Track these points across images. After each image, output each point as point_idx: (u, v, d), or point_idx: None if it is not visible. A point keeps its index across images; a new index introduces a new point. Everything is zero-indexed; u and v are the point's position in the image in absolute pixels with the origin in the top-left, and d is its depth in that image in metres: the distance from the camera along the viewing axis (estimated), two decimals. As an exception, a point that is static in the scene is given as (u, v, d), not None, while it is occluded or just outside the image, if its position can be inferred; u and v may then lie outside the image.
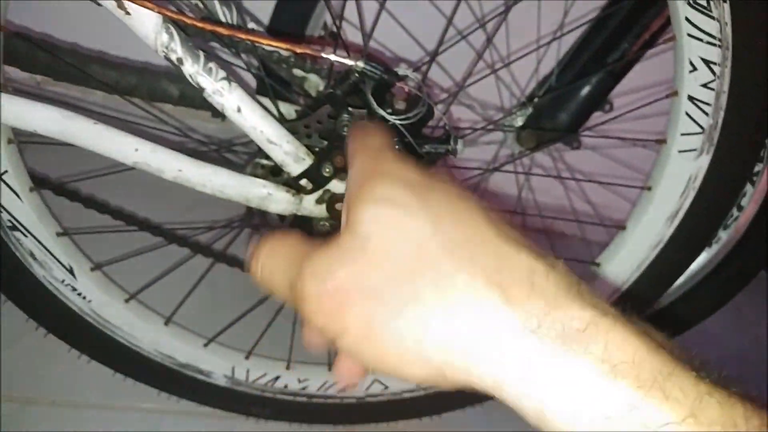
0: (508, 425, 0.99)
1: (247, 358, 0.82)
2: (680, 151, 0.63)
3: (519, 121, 0.84)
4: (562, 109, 0.82)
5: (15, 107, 0.52)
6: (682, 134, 0.62)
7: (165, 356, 0.78)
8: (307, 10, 0.76)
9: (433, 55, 0.57)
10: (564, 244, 1.26)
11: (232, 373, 0.82)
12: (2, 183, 0.60)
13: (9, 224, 0.63)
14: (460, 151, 0.51)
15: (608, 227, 0.73)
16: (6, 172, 0.60)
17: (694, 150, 0.63)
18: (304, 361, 0.85)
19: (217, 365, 0.81)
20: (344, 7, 0.59)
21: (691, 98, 0.59)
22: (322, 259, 0.30)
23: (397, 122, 0.49)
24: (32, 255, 0.66)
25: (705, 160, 0.63)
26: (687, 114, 0.60)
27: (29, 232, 0.64)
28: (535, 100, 0.84)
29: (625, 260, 0.72)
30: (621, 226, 0.72)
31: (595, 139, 1.01)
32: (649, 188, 0.68)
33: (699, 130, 0.61)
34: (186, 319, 0.79)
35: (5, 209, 0.62)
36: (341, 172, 0.54)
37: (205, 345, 0.80)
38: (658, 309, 0.95)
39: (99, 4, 0.47)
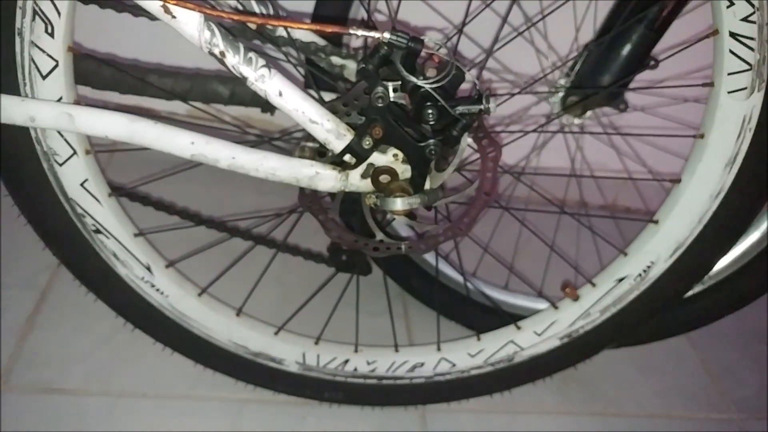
0: (579, 401, 0.99)
1: (316, 343, 0.86)
2: (729, 92, 0.61)
3: (561, 86, 0.84)
4: (604, 69, 0.81)
5: (89, 117, 0.58)
6: (729, 74, 0.60)
7: (239, 346, 0.83)
8: (346, 7, 0.80)
9: (462, 24, 0.59)
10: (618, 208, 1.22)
11: (303, 359, 0.86)
12: (85, 190, 0.67)
13: (93, 228, 0.70)
14: (493, 109, 0.53)
15: (661, 181, 0.71)
16: (87, 180, 0.67)
17: (744, 89, 0.60)
18: (372, 344, 0.87)
19: (288, 352, 0.85)
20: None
21: (733, 35, 0.57)
22: None
23: (428, 87, 0.51)
24: (115, 255, 0.73)
25: (757, 98, 0.60)
26: (731, 52, 0.58)
27: (111, 234, 0.71)
28: (577, 63, 0.83)
29: (685, 214, 0.70)
30: (676, 180, 0.70)
31: (645, 100, 0.99)
32: (702, 136, 0.65)
33: (746, 67, 0.59)
34: (256, 309, 0.83)
35: (89, 214, 0.69)
36: (381, 143, 0.57)
37: (276, 333, 0.84)
38: (715, 282, 0.91)
39: (150, 16, 0.52)
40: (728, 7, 0.56)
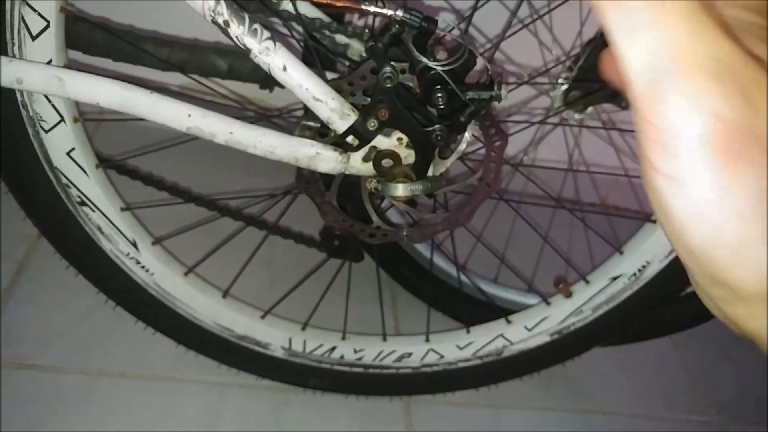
0: (565, 397, 0.99)
1: (303, 329, 0.84)
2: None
3: (564, 79, 0.83)
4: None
5: (80, 82, 0.55)
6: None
7: (224, 328, 0.81)
8: None
9: (475, 5, 0.57)
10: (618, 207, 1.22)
11: (289, 344, 0.84)
12: (71, 160, 0.64)
13: (78, 200, 0.67)
14: (504, 96, 0.51)
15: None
16: (73, 149, 0.64)
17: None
18: (360, 332, 0.86)
19: (275, 337, 0.83)
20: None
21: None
22: None
23: (440, 69, 0.49)
24: (100, 229, 0.70)
25: None
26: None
27: (96, 207, 0.68)
28: (581, 58, 0.82)
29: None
30: (678, 179, 0.69)
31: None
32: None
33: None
34: (243, 291, 0.81)
35: (74, 185, 0.66)
36: (385, 126, 0.55)
37: (262, 317, 0.82)
38: None
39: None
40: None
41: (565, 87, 0.87)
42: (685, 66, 0.20)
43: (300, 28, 0.67)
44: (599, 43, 0.82)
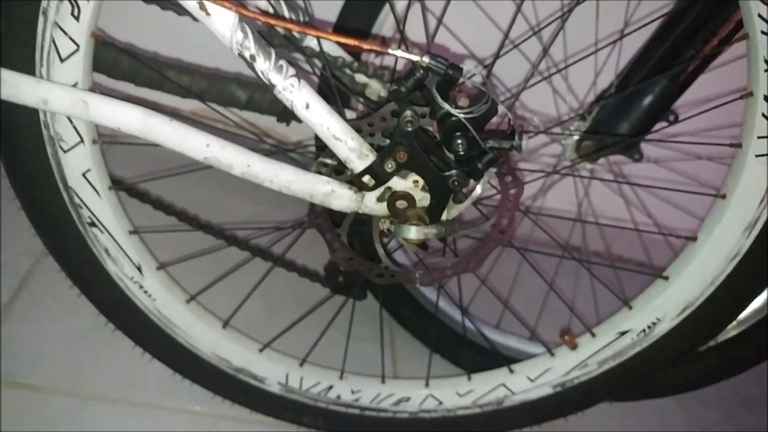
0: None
1: (301, 365, 0.82)
2: (757, 156, 0.60)
3: (577, 130, 0.83)
4: (623, 118, 0.81)
5: (104, 106, 0.55)
6: (759, 137, 0.59)
7: (221, 359, 0.79)
8: (373, 11, 0.78)
9: (497, 54, 0.58)
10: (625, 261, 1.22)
11: (286, 379, 0.82)
12: (86, 180, 0.64)
13: (89, 220, 0.67)
14: (524, 146, 0.51)
15: (678, 237, 0.70)
16: (89, 170, 0.64)
17: (772, 154, 0.60)
18: (358, 372, 0.84)
19: (272, 371, 0.82)
20: (409, 8, 0.61)
21: None
22: None
23: (462, 116, 0.50)
24: (107, 251, 0.69)
25: (785, 165, 0.60)
26: (764, 115, 0.58)
27: (106, 228, 0.68)
28: (596, 108, 0.83)
29: (697, 274, 0.69)
30: (692, 237, 0.69)
31: (658, 152, 0.98)
32: (724, 196, 0.65)
33: (777, 132, 0.58)
34: (243, 323, 0.80)
35: (86, 205, 0.66)
36: (402, 168, 0.55)
37: (261, 350, 0.81)
38: (741, 331, 0.90)
39: (179, 10, 0.51)
40: (766, 70, 0.55)
41: (577, 137, 0.87)
42: None
43: (320, 65, 0.68)
44: (615, 94, 0.83)
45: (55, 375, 0.83)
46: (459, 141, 0.51)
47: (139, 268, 0.72)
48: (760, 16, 0.53)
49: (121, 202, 0.70)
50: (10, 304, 0.89)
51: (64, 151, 0.61)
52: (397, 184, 0.57)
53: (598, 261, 1.11)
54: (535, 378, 0.81)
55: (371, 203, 0.58)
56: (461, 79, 0.50)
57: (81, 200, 0.65)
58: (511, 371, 0.82)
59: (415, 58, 0.49)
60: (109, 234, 0.68)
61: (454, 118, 0.51)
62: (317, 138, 0.78)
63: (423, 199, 0.57)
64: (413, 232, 0.56)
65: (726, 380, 0.95)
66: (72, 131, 0.60)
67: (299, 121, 0.59)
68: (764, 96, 0.57)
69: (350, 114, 0.72)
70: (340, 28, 0.81)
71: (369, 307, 0.94)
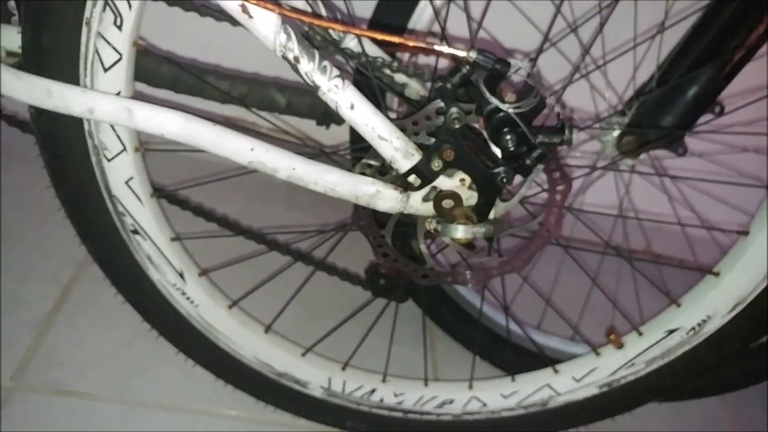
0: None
1: (343, 369, 0.82)
2: (813, 144, 0.58)
3: (617, 125, 0.81)
4: (666, 111, 0.78)
5: (148, 113, 0.55)
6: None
7: (263, 364, 0.79)
8: (409, 8, 0.77)
9: (539, 50, 0.57)
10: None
11: (329, 384, 0.82)
12: (129, 188, 0.65)
13: (132, 228, 0.67)
14: (574, 141, 0.50)
15: (729, 232, 0.67)
16: (132, 178, 0.65)
17: (830, 143, 0.58)
18: (401, 375, 0.83)
19: (314, 375, 0.81)
20: (450, 4, 0.60)
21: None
22: None
23: (511, 111, 0.48)
24: (149, 258, 0.70)
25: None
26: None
27: (148, 235, 0.68)
28: (636, 102, 0.80)
29: (749, 269, 0.67)
30: (743, 232, 0.67)
31: (702, 146, 0.96)
32: (777, 188, 0.63)
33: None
34: (285, 327, 0.80)
35: (129, 213, 0.66)
36: (449, 167, 0.54)
37: (303, 354, 0.81)
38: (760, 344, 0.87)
39: (218, 15, 0.51)
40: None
41: (617, 133, 0.85)
42: None
43: (356, 64, 0.68)
44: (657, 87, 0.81)
45: (102, 382, 0.84)
46: (508, 137, 0.50)
47: (181, 275, 0.72)
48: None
49: (162, 209, 0.70)
50: (54, 314, 0.91)
51: (108, 160, 0.62)
52: (443, 183, 0.56)
53: (643, 257, 1.09)
54: (580, 378, 0.79)
55: (417, 203, 0.57)
56: (508, 74, 0.49)
57: (124, 208, 0.66)
58: (556, 371, 0.81)
59: (463, 53, 0.48)
60: (152, 241, 0.69)
61: (502, 114, 0.50)
62: (352, 140, 0.78)
63: (470, 197, 0.56)
64: (461, 232, 0.55)
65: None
66: (115, 140, 0.61)
67: (338, 123, 0.58)
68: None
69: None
70: (374, 26, 0.80)
71: (407, 311, 0.93)
